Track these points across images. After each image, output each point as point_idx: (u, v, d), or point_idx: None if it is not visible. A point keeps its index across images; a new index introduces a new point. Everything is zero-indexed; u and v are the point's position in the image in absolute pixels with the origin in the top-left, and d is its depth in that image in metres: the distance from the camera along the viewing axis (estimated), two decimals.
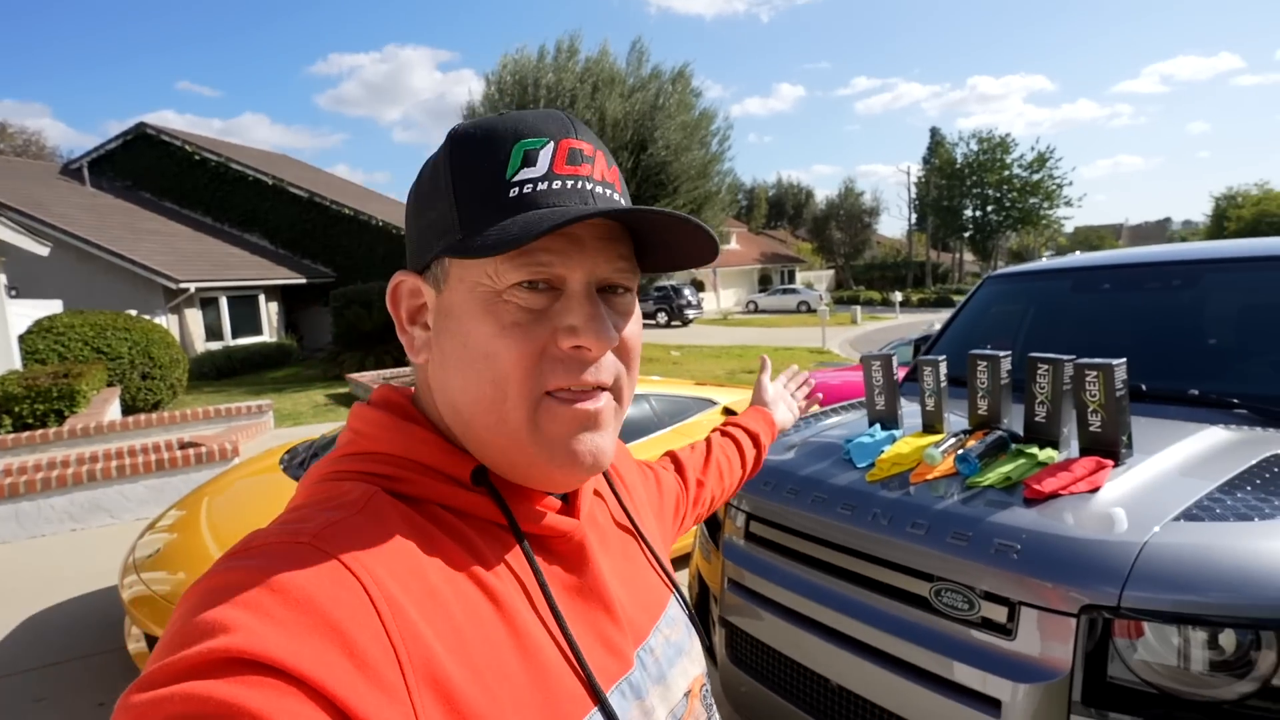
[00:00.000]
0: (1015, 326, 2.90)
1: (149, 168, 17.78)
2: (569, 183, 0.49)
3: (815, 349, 16.80)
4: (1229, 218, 45.50)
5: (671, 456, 0.97)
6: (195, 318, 13.96)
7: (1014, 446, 1.65)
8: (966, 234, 43.32)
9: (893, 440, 1.87)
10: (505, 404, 0.48)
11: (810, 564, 1.71)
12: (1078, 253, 3.49)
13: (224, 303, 14.53)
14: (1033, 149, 42.06)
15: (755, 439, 1.07)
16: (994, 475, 1.54)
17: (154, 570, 2.76)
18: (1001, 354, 1.76)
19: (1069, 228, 49.66)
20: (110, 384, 8.47)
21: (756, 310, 34.00)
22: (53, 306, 9.73)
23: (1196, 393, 1.97)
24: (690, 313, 26.36)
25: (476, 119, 0.51)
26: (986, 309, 3.04)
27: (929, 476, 1.63)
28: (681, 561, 3.96)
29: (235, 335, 14.70)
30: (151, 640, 2.54)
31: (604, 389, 0.51)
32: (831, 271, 46.58)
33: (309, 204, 16.99)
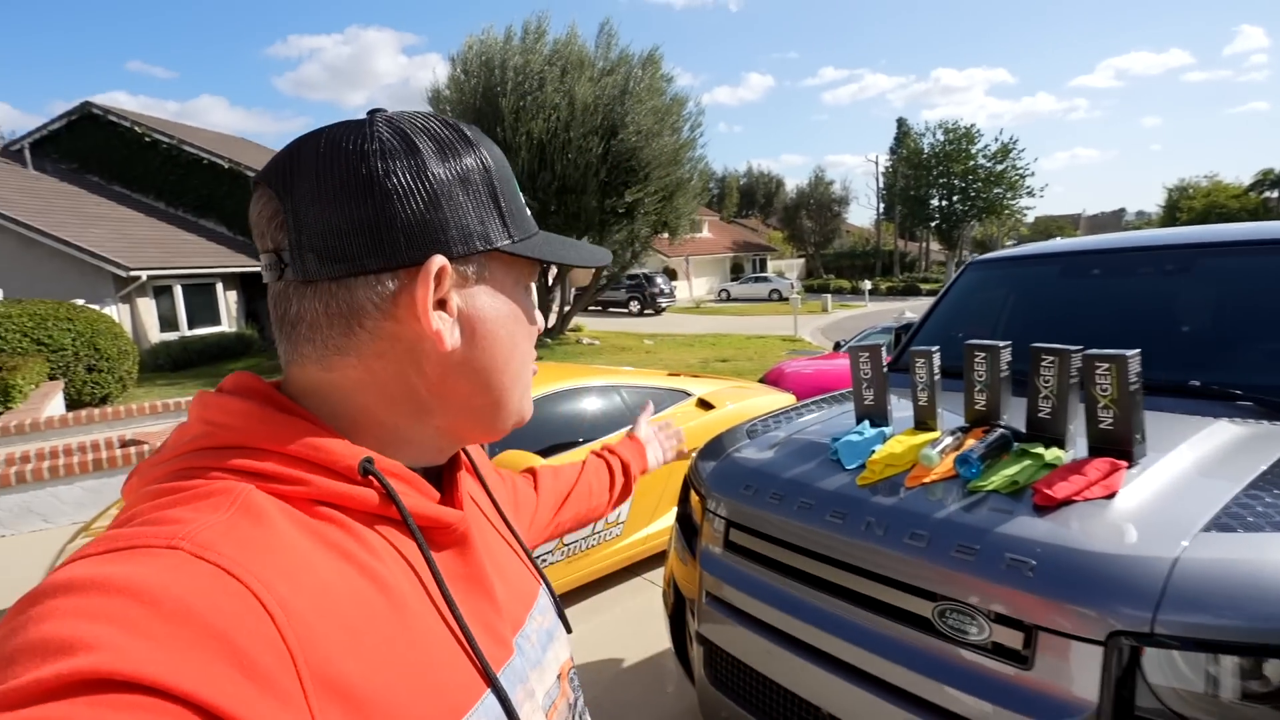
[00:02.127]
0: (1000, 314, 2.78)
1: (96, 149, 16.92)
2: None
3: (788, 337, 16.78)
4: (1181, 208, 46.85)
5: (532, 474, 0.96)
6: (148, 307, 13.34)
7: (1017, 446, 1.51)
8: (933, 223, 43.79)
9: (883, 438, 1.71)
10: (521, 380, 0.57)
11: (797, 578, 1.55)
12: (1058, 238, 3.39)
13: (179, 291, 13.91)
14: (997, 140, 42.63)
15: (626, 470, 1.07)
16: (998, 479, 1.40)
17: None
18: (1001, 344, 1.62)
19: (1030, 218, 50.51)
20: (53, 377, 8.01)
21: (729, 299, 33.97)
22: None
23: (1198, 384, 1.85)
24: (663, 301, 26.20)
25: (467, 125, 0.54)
26: (970, 296, 2.92)
27: (926, 480, 1.48)
28: (657, 560, 3.81)
29: (192, 325, 14.10)
30: None
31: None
32: (802, 260, 46.73)
33: None
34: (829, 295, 29.29)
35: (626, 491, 1.07)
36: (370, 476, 0.48)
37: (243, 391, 0.50)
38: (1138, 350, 1.41)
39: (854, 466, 1.63)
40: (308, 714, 0.36)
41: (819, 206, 47.21)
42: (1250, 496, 1.26)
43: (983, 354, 1.62)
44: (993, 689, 1.17)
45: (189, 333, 13.80)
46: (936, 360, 1.73)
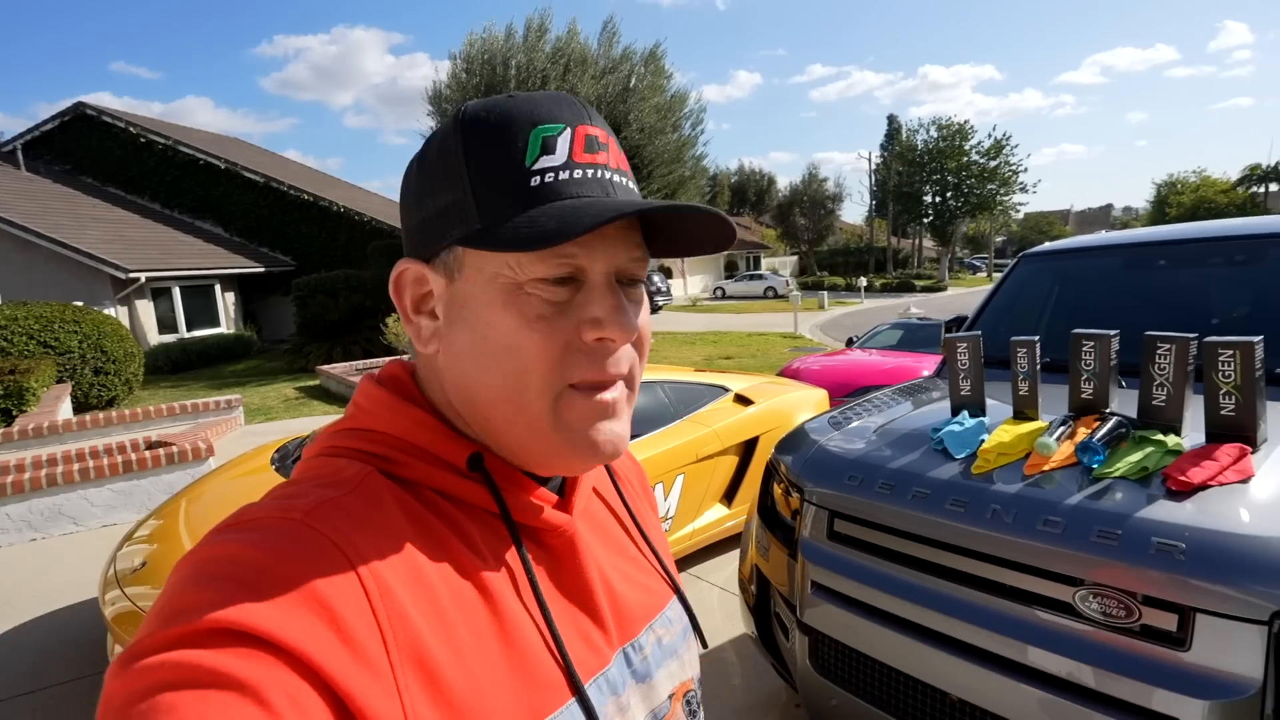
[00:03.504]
0: (1046, 306, 2.81)
1: (90, 151, 16.71)
2: (589, 171, 0.47)
3: (788, 334, 16.83)
4: (1170, 204, 47.38)
5: None
6: (147, 309, 13.20)
7: (1135, 433, 1.53)
8: (927, 219, 44.05)
9: (985, 428, 1.73)
10: (526, 395, 0.47)
11: (916, 566, 1.57)
12: (1104, 231, 3.43)
13: (177, 293, 13.77)
14: (990, 136, 42.90)
15: None
16: (1124, 465, 1.42)
17: (139, 584, 2.49)
18: (1110, 333, 1.64)
19: (1021, 214, 50.91)
20: (60, 380, 7.91)
21: (724, 296, 34.01)
22: None
23: None
24: (660, 300, 26.21)
25: (484, 100, 0.48)
26: (1024, 288, 2.94)
27: (1045, 468, 1.50)
28: (728, 544, 3.80)
29: (190, 327, 13.97)
30: None
31: (620, 378, 0.50)
32: (796, 257, 46.88)
33: (265, 189, 16.21)
34: (824, 292, 29.40)
35: None
36: (478, 473, 0.49)
37: (385, 379, 0.53)
38: (1261, 337, 1.43)
39: (963, 456, 1.65)
40: (394, 686, 0.38)
41: (812, 204, 47.34)
42: None
43: (1090, 343, 1.64)
44: (1147, 669, 1.19)
45: (188, 335, 13.68)
46: (1038, 350, 1.75)
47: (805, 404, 4.38)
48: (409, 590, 0.41)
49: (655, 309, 25.83)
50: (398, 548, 0.43)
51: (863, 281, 31.90)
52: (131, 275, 12.15)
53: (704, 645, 0.65)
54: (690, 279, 35.20)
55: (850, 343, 8.37)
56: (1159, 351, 1.52)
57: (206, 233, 16.10)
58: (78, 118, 16.68)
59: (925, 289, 33.39)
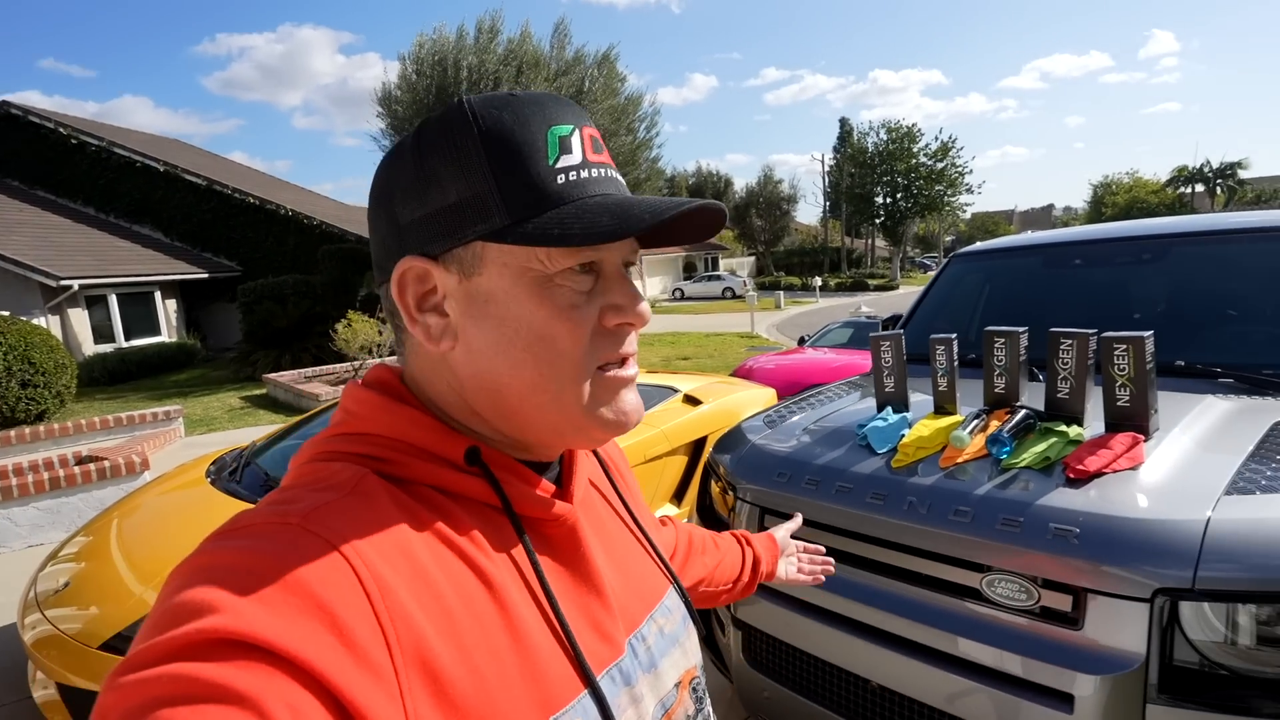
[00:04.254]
0: (978, 304, 2.92)
1: (16, 152, 15.88)
2: (601, 171, 0.50)
3: (745, 334, 17.04)
4: (1106, 204, 49.57)
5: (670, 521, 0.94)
6: (81, 318, 12.62)
7: (1041, 425, 1.60)
8: (879, 220, 45.10)
9: (907, 423, 1.79)
10: (562, 381, 0.49)
11: (839, 558, 1.61)
12: (1029, 232, 3.58)
13: (114, 301, 13.20)
14: (937, 139, 44.26)
15: (756, 565, 0.98)
16: (1030, 456, 1.49)
17: (61, 607, 2.38)
18: (1019, 330, 1.72)
19: (968, 214, 52.56)
20: None
21: (683, 297, 34.23)
22: None
23: (1183, 364, 2.00)
24: None
25: (489, 96, 0.49)
26: (954, 287, 3.05)
27: (959, 460, 1.56)
28: None
29: (129, 336, 13.40)
30: (63, 688, 2.20)
31: (633, 356, 0.54)
32: (753, 258, 47.46)
33: (207, 192, 15.65)
34: (781, 292, 29.85)
35: (750, 587, 0.96)
36: (476, 466, 0.50)
37: (373, 382, 0.53)
38: (1151, 332, 1.52)
39: (885, 450, 1.70)
40: (397, 689, 0.38)
41: (768, 205, 48.04)
42: (1257, 463, 1.38)
43: (1002, 339, 1.72)
44: (1046, 649, 1.25)
45: (126, 344, 13.12)
46: (955, 347, 1.82)
47: (753, 403, 4.44)
48: (411, 590, 0.41)
49: None
50: (398, 547, 0.42)
51: (818, 281, 32.50)
52: (63, 283, 11.60)
53: (702, 633, 0.66)
54: (649, 280, 35.30)
55: (802, 341, 8.53)
56: (1062, 347, 1.60)
57: (145, 238, 15.47)
58: (2, 117, 15.85)
59: (879, 288, 34.19)
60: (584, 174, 0.49)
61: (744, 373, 6.84)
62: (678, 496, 3.97)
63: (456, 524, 0.47)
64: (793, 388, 6.47)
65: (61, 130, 15.74)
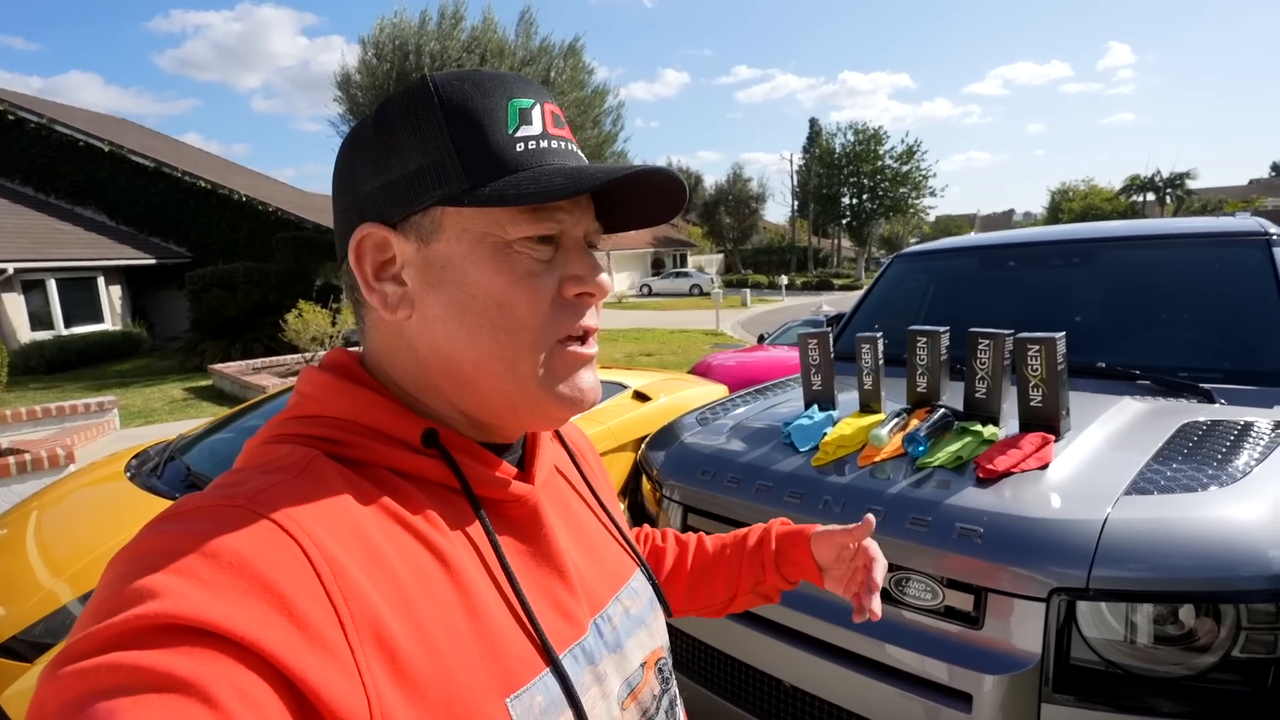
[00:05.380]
0: (923, 303, 2.95)
1: None
2: (561, 143, 0.51)
3: (710, 331, 17.11)
4: (1063, 210, 51.14)
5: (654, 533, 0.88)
6: (16, 303, 12.05)
7: (957, 424, 1.61)
8: (844, 221, 45.75)
9: (832, 421, 1.79)
10: (519, 349, 0.49)
11: None
12: (972, 233, 3.63)
13: (52, 286, 12.64)
14: (902, 142, 45.12)
15: (765, 564, 0.78)
16: (944, 455, 1.49)
17: None
18: (941, 329, 1.72)
19: (931, 216, 53.69)
20: None
21: (650, 293, 34.25)
22: None
23: (1104, 366, 2.03)
24: None
25: (453, 71, 0.50)
26: (896, 288, 3.08)
27: (877, 459, 1.56)
28: None
29: (69, 323, 12.85)
30: None
31: (594, 332, 0.53)
32: (721, 256, 47.72)
33: (156, 175, 15.06)
34: (747, 290, 30.06)
35: (755, 597, 0.79)
36: (434, 449, 0.49)
37: (329, 365, 0.53)
38: (1064, 333, 1.53)
39: (807, 449, 1.69)
40: (354, 667, 0.37)
41: (737, 203, 48.32)
42: (1160, 463, 1.40)
43: (924, 339, 1.72)
44: (947, 648, 1.25)
45: (65, 332, 12.59)
46: (881, 346, 1.82)
47: (704, 399, 4.43)
48: (364, 569, 0.40)
49: None
50: (349, 526, 0.42)
51: (784, 280, 32.82)
52: None
53: (669, 614, 0.66)
54: (617, 275, 35.23)
55: (762, 339, 8.58)
56: (980, 347, 1.61)
57: (88, 220, 14.83)
58: None
59: (844, 287, 34.65)
60: (544, 144, 0.49)
61: (702, 369, 6.84)
62: (624, 493, 3.94)
63: (412, 505, 0.46)
64: (749, 384, 6.48)
65: None
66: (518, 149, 0.48)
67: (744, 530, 0.83)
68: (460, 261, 0.48)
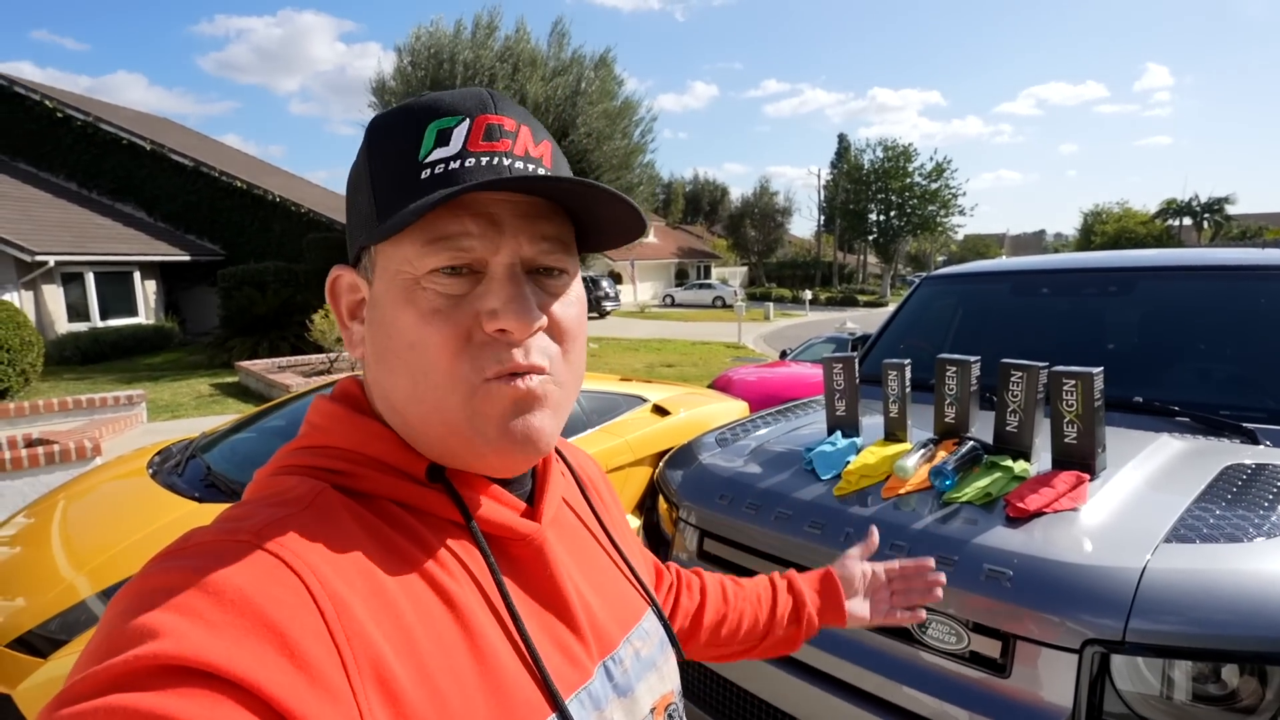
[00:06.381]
0: (951, 329, 2.88)
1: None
2: (482, 159, 0.46)
3: (731, 344, 17.02)
4: (1095, 232, 50.12)
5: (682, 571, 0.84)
6: (55, 295, 12.38)
7: (987, 458, 1.56)
8: (871, 237, 45.37)
9: (855, 449, 1.74)
10: (436, 391, 0.46)
11: None
12: (1002, 253, 3.56)
13: (91, 279, 12.97)
14: (932, 159, 44.63)
15: (799, 613, 0.82)
16: (972, 491, 1.44)
17: None
18: (971, 359, 1.67)
19: (960, 235, 53.04)
20: None
21: (673, 304, 34.21)
22: None
23: (1141, 400, 1.96)
24: (608, 305, 26.17)
25: (403, 102, 0.49)
26: (924, 310, 3.01)
27: (901, 491, 1.51)
28: None
29: (105, 316, 13.17)
30: None
31: (535, 370, 0.47)
32: (745, 268, 47.57)
33: (194, 174, 15.43)
34: (771, 304, 29.89)
35: (793, 637, 0.82)
36: (439, 482, 0.48)
37: (339, 395, 0.53)
38: (1101, 368, 1.47)
39: (829, 477, 1.65)
40: (355, 709, 0.36)
41: (763, 216, 48.14)
42: (1202, 509, 1.33)
43: (954, 368, 1.67)
44: (970, 696, 1.20)
45: (101, 324, 12.89)
46: (908, 373, 1.77)
47: (724, 416, 4.39)
48: (369, 608, 0.40)
49: (603, 313, 25.77)
50: (355, 564, 0.41)
51: (808, 294, 32.61)
52: (39, 258, 11.38)
53: (681, 657, 0.64)
54: (640, 285, 35.28)
55: (784, 355, 8.50)
56: (1012, 379, 1.56)
57: (127, 216, 15.23)
58: None
59: (868, 304, 34.33)
60: (457, 164, 0.46)
61: (723, 383, 6.78)
62: (640, 508, 3.90)
63: (418, 541, 0.46)
64: (770, 401, 6.40)
65: (47, 103, 15.48)
66: (423, 175, 0.45)
67: (769, 583, 0.85)
68: (382, 301, 0.47)
